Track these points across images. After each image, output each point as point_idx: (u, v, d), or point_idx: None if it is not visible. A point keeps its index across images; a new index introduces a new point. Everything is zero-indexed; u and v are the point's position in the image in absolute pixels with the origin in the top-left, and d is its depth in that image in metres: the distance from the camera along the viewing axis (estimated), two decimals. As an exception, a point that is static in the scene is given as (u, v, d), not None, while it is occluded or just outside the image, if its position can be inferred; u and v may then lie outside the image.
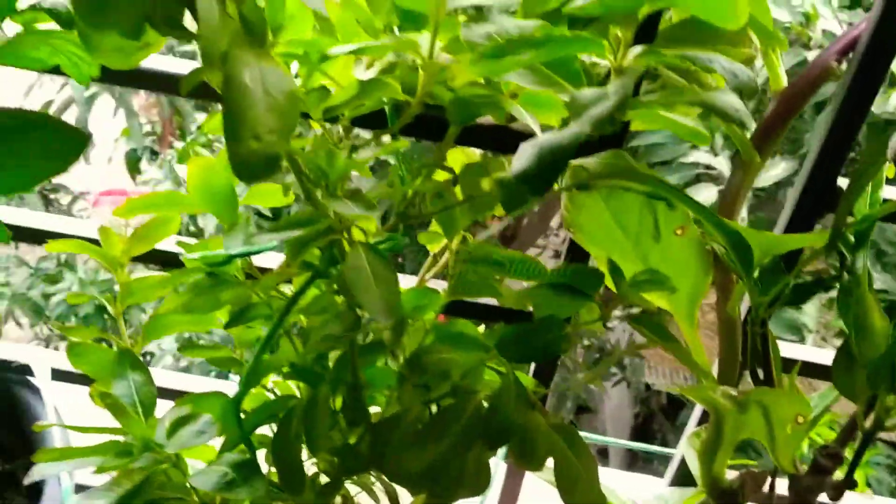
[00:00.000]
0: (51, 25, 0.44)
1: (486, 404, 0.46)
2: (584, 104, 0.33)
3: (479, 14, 0.41)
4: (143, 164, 3.25)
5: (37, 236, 0.64)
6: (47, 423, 0.69)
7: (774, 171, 1.89)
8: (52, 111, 3.16)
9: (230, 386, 0.84)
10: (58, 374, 0.74)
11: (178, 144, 3.07)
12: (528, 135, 0.54)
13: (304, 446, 0.49)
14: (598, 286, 0.43)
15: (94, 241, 0.59)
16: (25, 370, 0.73)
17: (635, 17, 0.35)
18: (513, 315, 0.59)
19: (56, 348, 3.06)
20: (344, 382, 0.49)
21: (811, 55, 1.84)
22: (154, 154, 3.30)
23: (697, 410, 0.68)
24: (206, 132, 0.59)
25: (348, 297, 0.44)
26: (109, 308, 0.59)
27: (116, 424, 0.52)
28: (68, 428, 0.55)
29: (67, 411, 0.73)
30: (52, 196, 2.93)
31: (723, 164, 1.84)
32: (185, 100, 3.01)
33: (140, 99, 3.50)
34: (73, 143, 0.37)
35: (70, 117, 3.24)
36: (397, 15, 0.50)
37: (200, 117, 2.95)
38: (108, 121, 3.28)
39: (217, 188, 0.50)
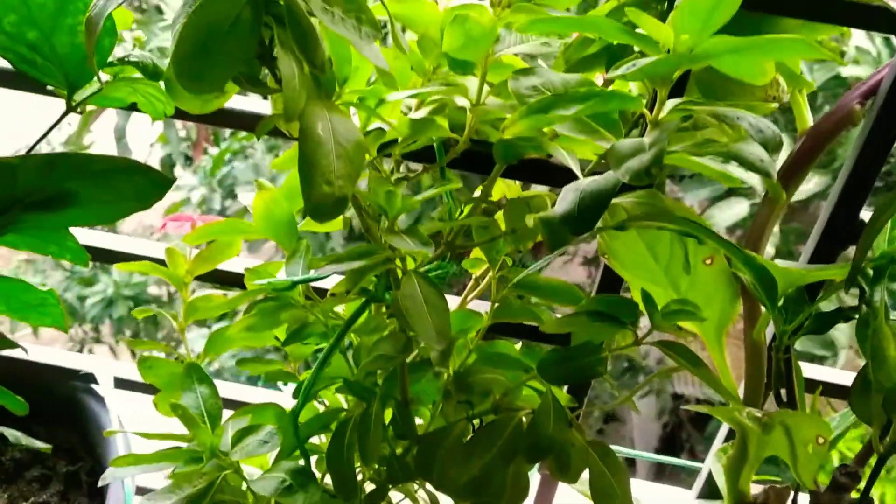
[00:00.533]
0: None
1: (525, 421, 0.49)
2: (623, 155, 0.37)
3: (526, 68, 0.45)
4: (178, 170, 3.32)
5: (106, 256, 0.69)
6: (113, 429, 0.74)
7: (807, 185, 1.90)
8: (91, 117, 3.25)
9: (272, 394, 0.88)
10: (119, 383, 0.79)
11: (213, 150, 3.14)
12: (564, 168, 0.58)
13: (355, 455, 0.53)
14: (634, 316, 0.46)
15: (161, 261, 0.64)
16: (90, 378, 0.78)
17: (671, 78, 0.39)
18: (549, 335, 0.63)
19: (90, 350, 3.13)
20: (393, 398, 0.53)
21: (845, 71, 1.86)
22: (188, 159, 3.37)
23: (725, 427, 0.71)
24: (275, 168, 0.63)
25: (402, 323, 0.48)
26: (174, 323, 0.64)
27: (177, 431, 0.57)
28: (135, 434, 0.59)
29: (127, 417, 0.78)
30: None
31: (755, 179, 1.85)
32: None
33: (177, 106, 3.56)
34: (159, 186, 0.42)
35: (109, 122, 3.33)
36: (446, 58, 0.54)
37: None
38: (145, 126, 3.35)
39: (279, 217, 0.55)
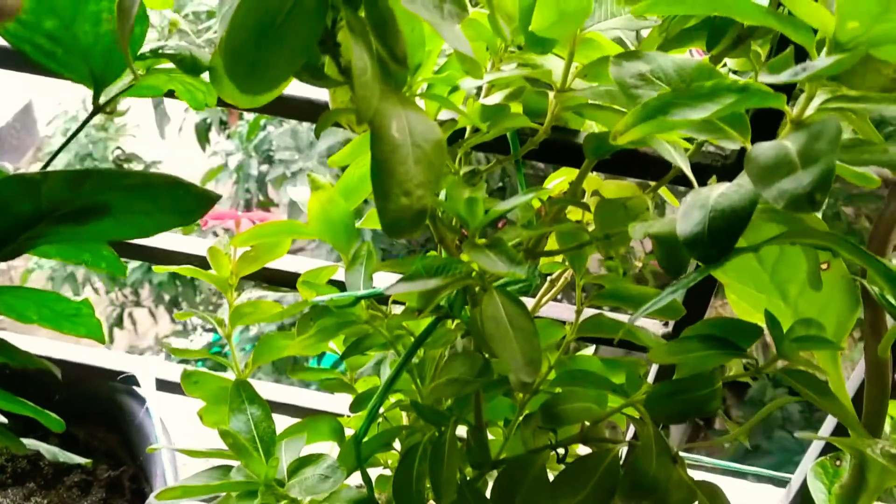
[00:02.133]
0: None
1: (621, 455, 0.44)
2: (768, 169, 0.30)
3: (631, 52, 0.38)
4: (213, 135, 3.27)
5: (145, 254, 0.64)
6: (156, 432, 0.70)
7: None
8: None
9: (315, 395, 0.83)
10: (161, 384, 0.74)
11: (248, 115, 3.08)
12: (658, 161, 0.52)
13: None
14: (753, 341, 0.40)
15: (202, 259, 0.59)
16: (131, 380, 0.73)
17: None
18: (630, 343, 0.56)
19: (130, 314, 3.12)
20: (466, 422, 0.47)
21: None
22: (223, 124, 3.32)
23: (829, 424, 0.64)
24: (332, 165, 0.57)
25: (482, 346, 0.42)
26: (219, 329, 0.59)
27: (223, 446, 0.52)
28: (181, 452, 0.54)
29: (169, 419, 0.74)
30: (125, 165, 2.98)
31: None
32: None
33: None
34: (202, 203, 0.36)
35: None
36: (524, 35, 0.47)
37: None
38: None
39: (336, 218, 0.49)
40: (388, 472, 0.59)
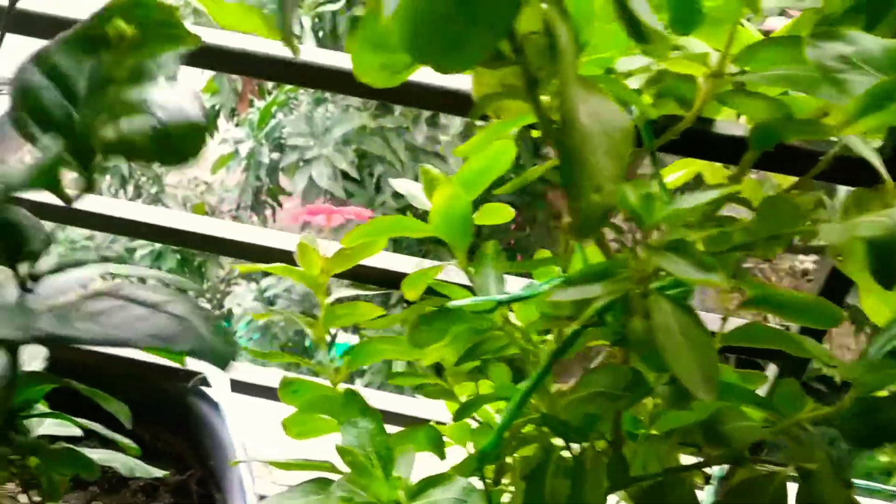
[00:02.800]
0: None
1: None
2: None
3: (826, 30, 0.34)
4: (222, 122, 3.23)
5: (231, 249, 0.60)
6: (230, 438, 0.66)
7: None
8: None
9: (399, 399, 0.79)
10: (235, 385, 0.71)
11: (259, 102, 3.03)
12: (807, 152, 0.47)
13: None
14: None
15: (291, 254, 0.55)
16: (202, 381, 0.70)
17: None
18: (780, 355, 0.52)
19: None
20: (603, 437, 0.44)
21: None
22: (233, 111, 3.27)
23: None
24: (459, 155, 0.53)
25: (650, 363, 0.38)
26: (308, 330, 0.55)
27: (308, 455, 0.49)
28: (270, 464, 0.51)
29: (241, 422, 0.70)
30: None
31: None
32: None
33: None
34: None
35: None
36: (669, 13, 0.43)
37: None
38: (194, 75, 3.26)
39: (459, 214, 0.45)
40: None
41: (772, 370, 0.59)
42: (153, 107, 0.29)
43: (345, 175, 2.77)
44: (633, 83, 0.44)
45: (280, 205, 3.08)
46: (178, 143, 0.29)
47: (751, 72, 0.39)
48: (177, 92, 0.30)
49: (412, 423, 0.62)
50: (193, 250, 2.92)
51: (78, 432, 0.53)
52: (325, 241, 0.55)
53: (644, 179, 0.37)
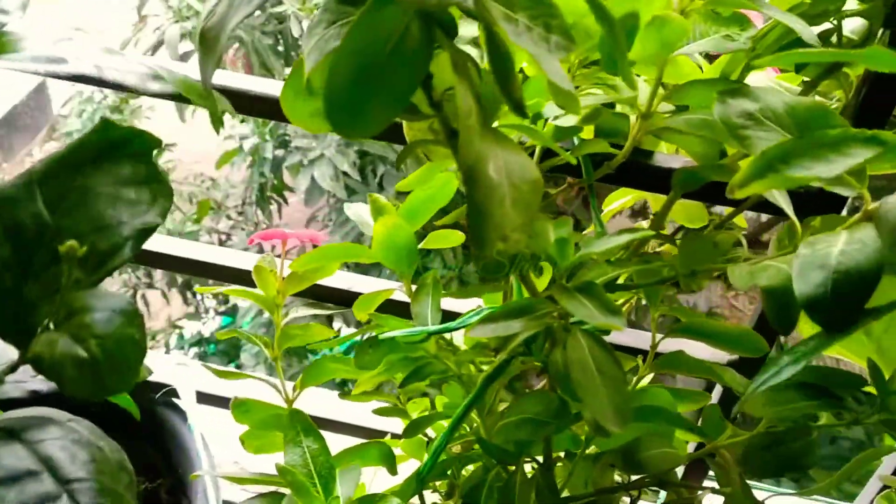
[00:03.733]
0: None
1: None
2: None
3: (736, 88, 0.35)
4: (227, 118, 3.24)
5: (189, 267, 0.62)
6: (196, 447, 0.68)
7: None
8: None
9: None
10: (202, 397, 0.73)
11: None
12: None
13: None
14: (854, 391, 0.38)
15: (247, 273, 0.57)
16: (171, 392, 0.72)
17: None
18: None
19: (143, 296, 3.12)
20: (534, 459, 0.46)
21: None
22: None
23: (890, 461, 0.62)
24: (400, 190, 0.55)
25: (564, 391, 0.39)
26: (266, 351, 0.57)
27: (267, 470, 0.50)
28: (228, 479, 0.53)
29: (208, 432, 0.72)
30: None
31: None
32: (273, 55, 3.01)
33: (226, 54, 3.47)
34: None
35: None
36: (601, 53, 0.44)
37: (286, 72, 2.93)
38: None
39: (401, 244, 0.47)
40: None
41: (717, 391, 0.61)
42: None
43: (347, 174, 2.79)
44: (572, 119, 0.46)
45: (286, 201, 3.10)
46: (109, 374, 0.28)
47: (666, 113, 0.41)
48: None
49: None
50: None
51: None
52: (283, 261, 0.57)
53: (565, 218, 0.39)
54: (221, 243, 3.14)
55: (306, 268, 0.50)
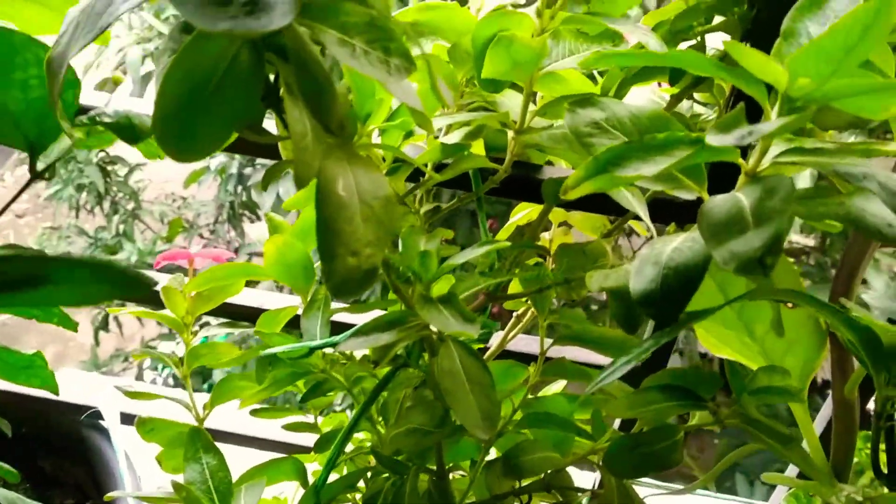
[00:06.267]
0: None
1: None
2: (720, 226, 0.29)
3: (584, 97, 0.37)
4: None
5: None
6: (119, 466, 0.68)
7: None
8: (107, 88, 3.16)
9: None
10: (126, 418, 0.73)
11: None
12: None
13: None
14: (714, 390, 0.39)
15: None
16: (95, 414, 0.72)
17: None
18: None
19: (116, 318, 3.10)
20: (427, 469, 0.46)
21: None
22: None
23: (793, 468, 0.64)
24: (287, 209, 0.56)
25: (440, 399, 0.41)
26: (176, 371, 0.57)
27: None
28: (141, 499, 0.53)
29: (133, 450, 0.72)
30: (109, 167, 2.95)
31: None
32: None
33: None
34: (136, 286, 0.35)
35: (125, 92, 3.23)
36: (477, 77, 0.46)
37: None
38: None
39: (293, 261, 0.48)
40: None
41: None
42: None
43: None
44: (457, 136, 0.48)
45: (259, 217, 3.10)
46: None
47: (539, 128, 0.42)
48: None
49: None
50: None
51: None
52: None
53: (440, 230, 0.41)
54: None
55: (205, 287, 0.51)
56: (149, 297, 0.58)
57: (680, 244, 0.32)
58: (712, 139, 0.29)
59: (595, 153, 0.35)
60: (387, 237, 0.33)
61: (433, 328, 0.39)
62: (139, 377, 2.64)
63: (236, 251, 3.04)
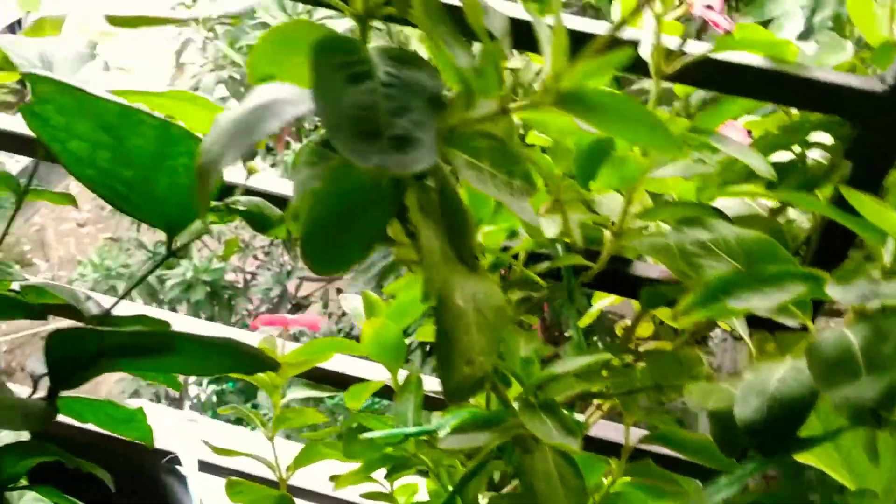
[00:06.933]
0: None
1: None
2: (830, 367, 0.30)
3: (692, 217, 0.38)
4: (259, 161, 3.29)
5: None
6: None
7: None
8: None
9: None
10: (203, 466, 0.75)
11: (295, 145, 3.12)
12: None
13: None
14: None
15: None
16: (174, 460, 0.74)
17: None
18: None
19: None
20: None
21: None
22: (270, 150, 3.35)
23: None
24: (387, 293, 0.59)
25: (530, 499, 0.42)
26: (263, 431, 0.60)
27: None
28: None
29: (210, 501, 0.75)
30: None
31: None
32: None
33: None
34: (255, 365, 0.37)
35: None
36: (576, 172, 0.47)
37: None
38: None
39: (389, 342, 0.49)
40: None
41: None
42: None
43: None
44: (554, 227, 0.49)
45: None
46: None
47: (639, 239, 0.44)
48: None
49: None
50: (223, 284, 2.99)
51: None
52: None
53: (533, 334, 0.42)
54: (246, 283, 3.19)
55: (302, 359, 0.53)
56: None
57: (786, 375, 0.33)
58: (833, 293, 0.30)
59: (703, 276, 0.37)
60: (497, 344, 0.35)
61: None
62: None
63: (288, 274, 3.07)
